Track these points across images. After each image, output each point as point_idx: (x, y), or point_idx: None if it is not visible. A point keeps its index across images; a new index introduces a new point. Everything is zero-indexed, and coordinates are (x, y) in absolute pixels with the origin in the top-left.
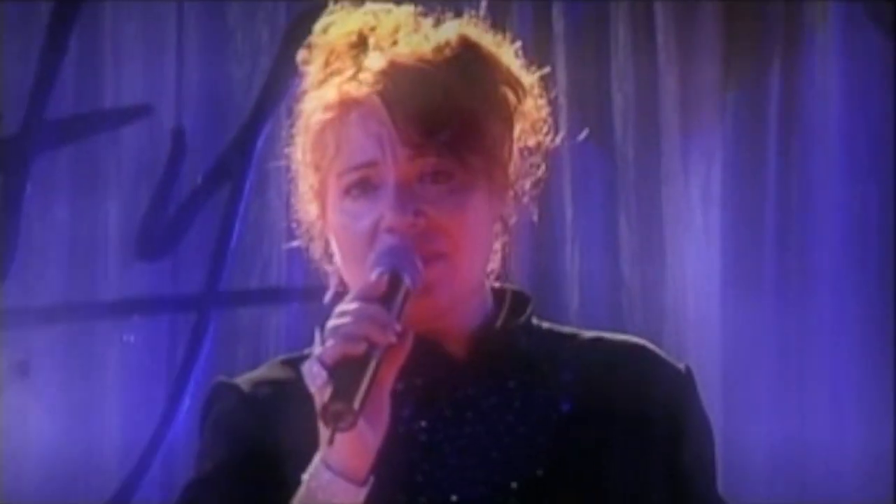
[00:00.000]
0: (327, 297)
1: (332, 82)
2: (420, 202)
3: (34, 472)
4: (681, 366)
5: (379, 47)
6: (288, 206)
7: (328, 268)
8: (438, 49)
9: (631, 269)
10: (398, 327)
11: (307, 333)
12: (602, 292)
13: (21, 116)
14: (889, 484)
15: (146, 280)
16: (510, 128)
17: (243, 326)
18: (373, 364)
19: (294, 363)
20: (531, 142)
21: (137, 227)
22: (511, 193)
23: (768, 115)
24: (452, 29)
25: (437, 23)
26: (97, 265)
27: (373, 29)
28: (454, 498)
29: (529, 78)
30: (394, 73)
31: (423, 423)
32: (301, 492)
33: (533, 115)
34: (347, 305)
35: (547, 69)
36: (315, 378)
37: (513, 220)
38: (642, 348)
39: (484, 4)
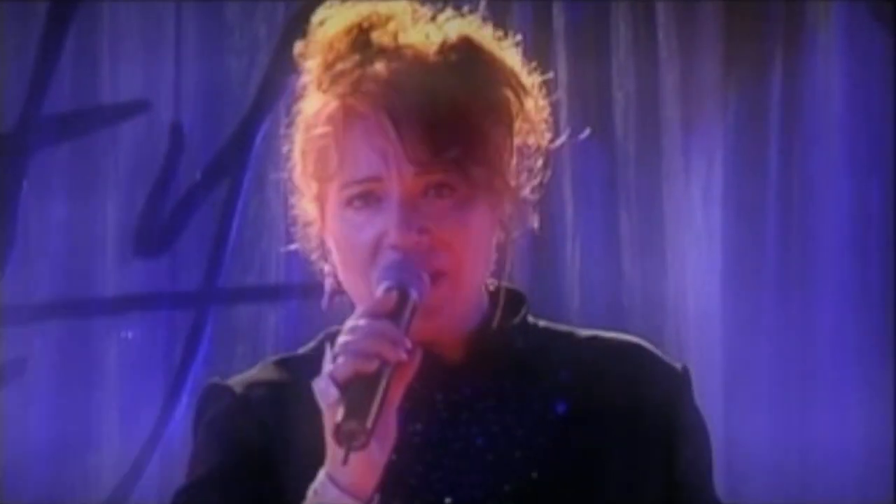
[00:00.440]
0: (324, 301)
1: (333, 90)
2: (424, 219)
3: (32, 469)
4: (677, 365)
5: (380, 44)
6: (286, 203)
7: (324, 267)
8: (441, 52)
9: (631, 266)
10: (409, 344)
11: (305, 331)
12: (602, 290)
13: (18, 113)
14: (889, 484)
15: (144, 277)
16: (511, 131)
17: (241, 324)
18: (384, 381)
19: (288, 363)
20: (531, 143)
21: (135, 224)
22: (511, 199)
23: (769, 114)
24: (454, 28)
25: (435, 15)
26: (95, 262)
27: (371, 23)
28: (448, 500)
29: (531, 78)
30: (398, 84)
31: (418, 426)
32: None
33: (533, 117)
34: (357, 321)
35: (549, 74)
36: (326, 395)
37: (515, 226)
38: (638, 347)
39: (483, 2)
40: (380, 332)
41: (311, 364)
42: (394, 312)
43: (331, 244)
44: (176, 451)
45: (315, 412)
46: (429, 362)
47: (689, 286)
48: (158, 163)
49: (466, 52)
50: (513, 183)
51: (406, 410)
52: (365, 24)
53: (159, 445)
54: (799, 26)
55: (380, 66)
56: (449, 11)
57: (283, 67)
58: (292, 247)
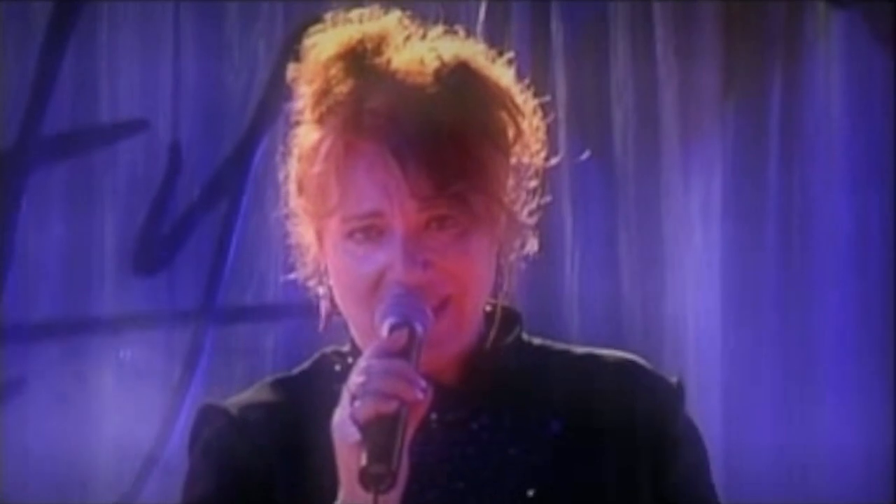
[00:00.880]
0: (322, 323)
1: (330, 123)
2: (428, 252)
3: (31, 488)
4: (672, 379)
5: (374, 70)
6: (283, 226)
7: (319, 290)
8: (437, 79)
9: (630, 283)
10: (423, 383)
11: (304, 350)
12: (602, 307)
13: (17, 131)
14: (889, 485)
15: (142, 295)
16: (508, 153)
17: (240, 343)
18: (402, 421)
19: (284, 384)
20: (526, 162)
21: (134, 243)
22: (509, 223)
23: (769, 128)
24: (448, 51)
25: (425, 32)
26: (93, 280)
27: (364, 46)
28: None
29: (525, 96)
30: (398, 118)
31: (413, 447)
32: None
33: (529, 137)
34: (370, 361)
35: (547, 92)
36: (347, 437)
37: (514, 250)
38: (632, 363)
39: (481, 18)
40: (396, 372)
41: (307, 384)
42: (405, 350)
43: (330, 271)
44: (175, 470)
45: (310, 434)
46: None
47: (688, 303)
48: (157, 181)
49: (462, 78)
50: (510, 206)
51: None
52: (358, 48)
53: (158, 464)
54: (798, 40)
55: (377, 98)
56: (439, 28)
57: (281, 86)
58: (290, 276)
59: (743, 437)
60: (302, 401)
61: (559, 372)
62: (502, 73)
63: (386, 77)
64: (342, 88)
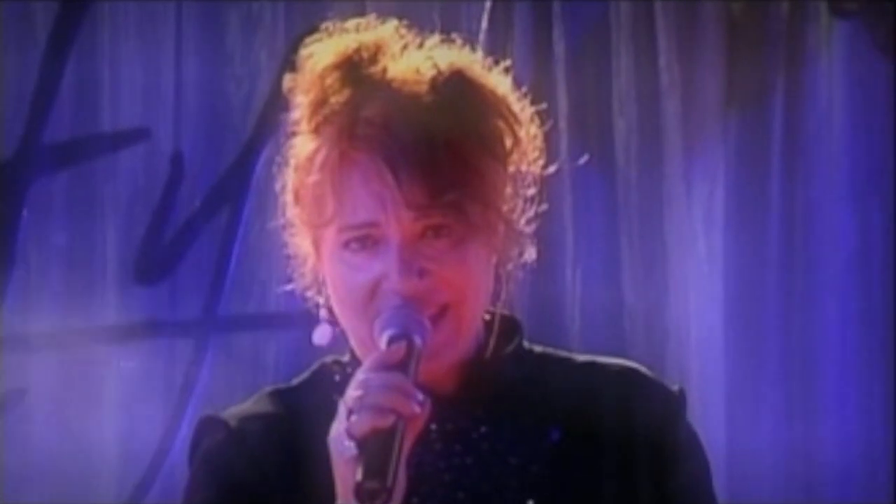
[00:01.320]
0: (321, 334)
1: (326, 133)
2: (424, 260)
3: (32, 498)
4: (674, 387)
5: (370, 79)
6: (282, 237)
7: (318, 299)
8: (433, 88)
9: (633, 292)
10: (420, 396)
11: (305, 359)
12: (604, 316)
13: (18, 141)
14: (892, 489)
15: (144, 305)
16: (505, 162)
17: (242, 352)
18: (398, 436)
19: (283, 395)
20: (523, 170)
21: (135, 252)
22: (507, 231)
23: (771, 139)
24: (444, 59)
25: (422, 41)
26: (95, 290)
27: (360, 55)
28: None
29: (522, 104)
30: (393, 128)
31: (413, 457)
32: None
33: (526, 145)
34: (368, 375)
35: (548, 101)
36: (343, 452)
37: (511, 258)
38: (633, 371)
39: (484, 28)
40: (394, 386)
41: (306, 395)
42: (403, 364)
43: (327, 281)
44: (176, 480)
45: (309, 445)
46: (423, 394)
47: (691, 312)
48: (158, 190)
49: (459, 87)
50: (508, 215)
51: None
52: (354, 57)
53: (159, 474)
54: (800, 51)
55: (373, 108)
56: (436, 37)
57: (283, 94)
58: (289, 287)
59: (745, 443)
60: (301, 412)
61: (560, 380)
62: (499, 82)
63: (382, 86)
64: (338, 98)
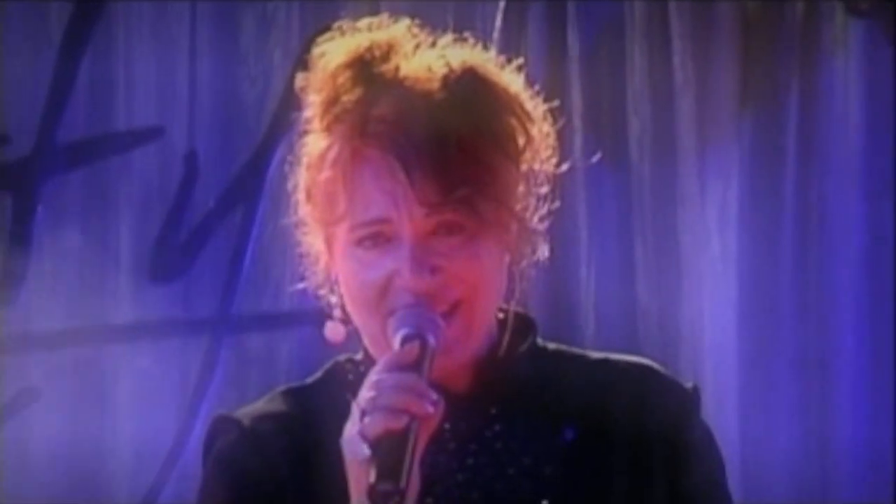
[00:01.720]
0: (333, 331)
1: (338, 130)
2: (436, 257)
3: (46, 495)
4: (688, 385)
5: (382, 78)
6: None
7: (331, 298)
8: (445, 85)
9: (647, 292)
10: (434, 396)
11: (319, 358)
12: (618, 316)
13: (33, 139)
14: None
15: (158, 303)
16: (517, 160)
17: (256, 351)
18: (412, 437)
19: (296, 394)
20: (536, 169)
21: (149, 251)
22: (519, 229)
23: (785, 138)
24: (456, 58)
25: (435, 40)
26: (109, 289)
27: (372, 54)
28: None
29: (534, 103)
30: (405, 125)
31: (426, 456)
32: None
33: (539, 143)
34: (381, 376)
35: (561, 100)
36: (356, 453)
37: (524, 256)
38: (648, 369)
39: (498, 28)
40: (407, 387)
41: (320, 394)
42: (416, 363)
43: (340, 280)
44: (190, 479)
45: (322, 445)
46: (437, 392)
47: (704, 311)
48: (173, 189)
49: (471, 84)
50: (521, 213)
51: None
52: (366, 56)
53: (173, 473)
54: (815, 50)
55: (384, 105)
56: (449, 36)
57: (297, 93)
58: (301, 285)
59: (759, 441)
60: (314, 411)
61: (574, 378)
62: (512, 80)
63: (394, 84)
64: (350, 96)
